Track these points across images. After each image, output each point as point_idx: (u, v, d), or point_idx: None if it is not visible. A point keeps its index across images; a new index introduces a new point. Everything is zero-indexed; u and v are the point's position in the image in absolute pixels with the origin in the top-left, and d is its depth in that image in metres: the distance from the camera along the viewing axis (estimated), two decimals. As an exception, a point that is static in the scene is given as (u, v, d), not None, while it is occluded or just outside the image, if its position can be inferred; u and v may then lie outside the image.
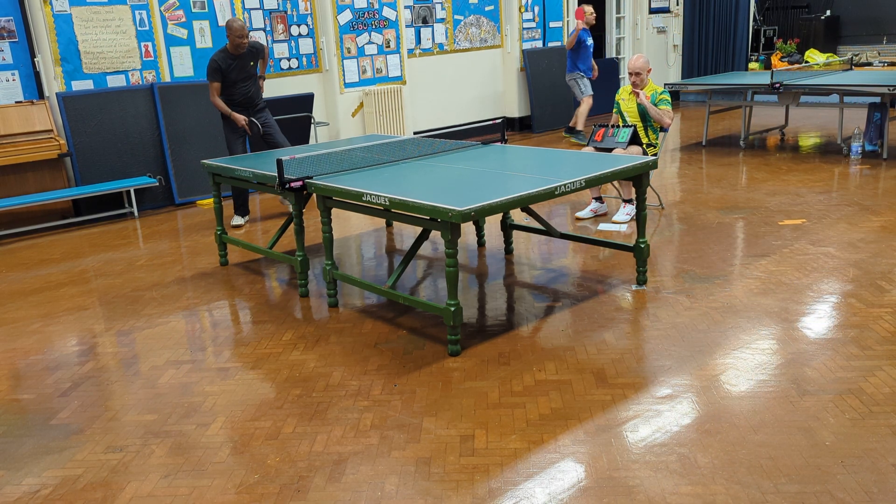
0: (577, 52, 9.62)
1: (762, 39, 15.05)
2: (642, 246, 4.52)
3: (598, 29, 12.24)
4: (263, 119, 6.53)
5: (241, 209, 6.79)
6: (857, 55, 12.85)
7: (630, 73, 6.05)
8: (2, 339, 4.39)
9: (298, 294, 4.82)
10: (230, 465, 2.94)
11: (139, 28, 7.44)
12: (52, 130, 6.99)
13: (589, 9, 9.60)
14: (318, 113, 8.81)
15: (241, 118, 6.31)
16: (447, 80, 10.36)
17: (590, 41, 9.62)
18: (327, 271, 4.50)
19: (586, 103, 9.74)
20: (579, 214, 6.31)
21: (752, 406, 3.15)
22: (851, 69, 10.29)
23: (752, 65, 14.04)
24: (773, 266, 4.81)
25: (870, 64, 13.39)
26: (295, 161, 4.70)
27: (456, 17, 10.32)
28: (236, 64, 6.23)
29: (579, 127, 9.87)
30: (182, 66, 7.79)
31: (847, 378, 3.33)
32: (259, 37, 8.36)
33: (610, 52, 12.69)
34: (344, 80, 8.99)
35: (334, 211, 6.61)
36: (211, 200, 7.35)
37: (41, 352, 4.18)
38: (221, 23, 7.98)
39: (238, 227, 6.70)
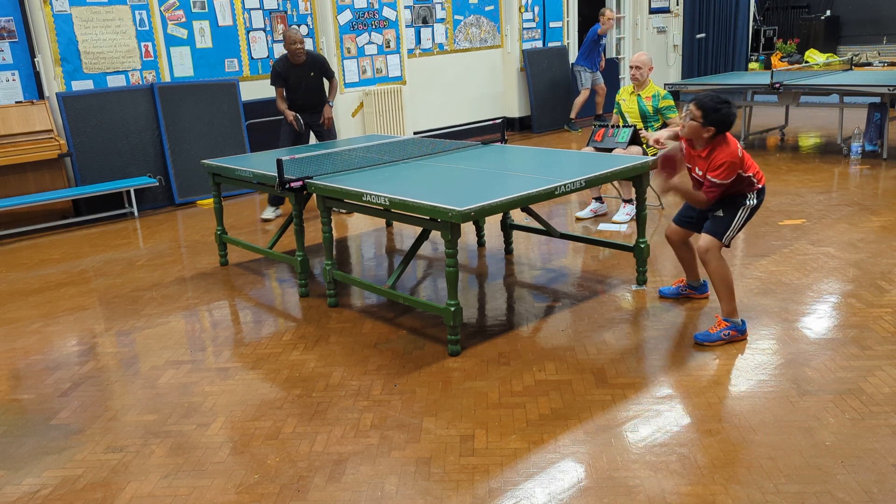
0: (589, 48, 10.46)
1: (762, 39, 15.05)
2: (642, 246, 4.52)
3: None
4: (318, 119, 6.74)
5: (278, 199, 6.85)
6: (857, 55, 12.85)
7: (630, 67, 6.06)
8: (2, 339, 4.39)
9: (298, 294, 4.82)
10: (230, 465, 2.94)
11: (139, 28, 7.44)
12: (52, 130, 6.99)
13: (609, 13, 10.41)
14: (318, 113, 8.80)
15: (290, 113, 6.54)
16: (447, 80, 10.36)
17: (603, 41, 10.59)
18: (327, 271, 4.50)
19: (582, 95, 10.64)
20: (579, 214, 6.31)
21: (752, 406, 3.15)
22: (851, 69, 10.29)
23: (752, 65, 14.05)
24: (773, 266, 4.81)
25: (870, 64, 13.39)
26: (295, 161, 4.70)
27: (456, 17, 10.32)
28: (296, 72, 6.46)
29: (571, 115, 10.84)
30: (182, 66, 7.79)
31: (847, 378, 3.33)
32: (259, 37, 8.36)
33: (610, 52, 12.67)
34: (344, 80, 8.98)
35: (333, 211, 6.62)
36: (211, 200, 7.36)
37: (41, 352, 4.18)
38: (221, 23, 7.99)
39: (268, 220, 6.75)
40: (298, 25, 8.72)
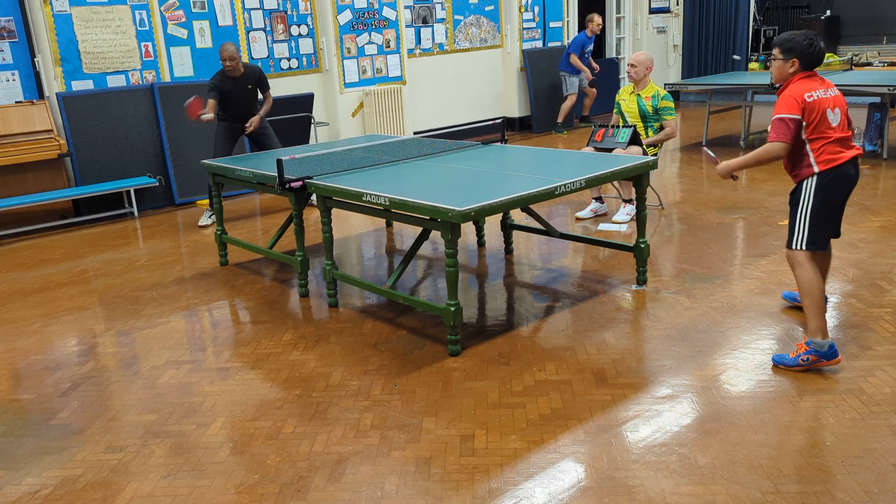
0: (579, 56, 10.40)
1: (762, 39, 15.05)
2: (642, 246, 4.52)
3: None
4: (259, 127, 6.71)
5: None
6: (857, 55, 12.85)
7: (628, 65, 6.06)
8: (2, 339, 4.39)
9: (298, 294, 4.82)
10: (230, 465, 2.94)
11: (139, 28, 7.44)
12: (52, 130, 6.99)
13: (597, 19, 10.37)
14: (318, 113, 8.81)
15: (210, 117, 6.36)
16: (447, 80, 10.36)
17: (589, 48, 10.46)
18: (327, 271, 4.50)
19: (569, 100, 10.59)
20: (579, 214, 6.31)
21: (752, 406, 3.15)
22: (851, 69, 10.29)
23: (752, 65, 14.05)
24: (773, 266, 4.81)
25: (870, 64, 13.39)
26: (295, 161, 4.70)
27: (456, 17, 10.32)
28: (233, 84, 6.50)
29: (559, 119, 10.77)
30: (182, 66, 7.79)
31: (847, 378, 3.33)
32: (259, 37, 8.36)
33: (610, 52, 12.69)
34: (344, 80, 8.99)
35: (334, 211, 6.61)
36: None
37: (41, 352, 4.18)
38: (221, 23, 7.99)
39: (204, 226, 6.77)
40: (298, 25, 8.73)
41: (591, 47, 10.49)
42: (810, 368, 3.38)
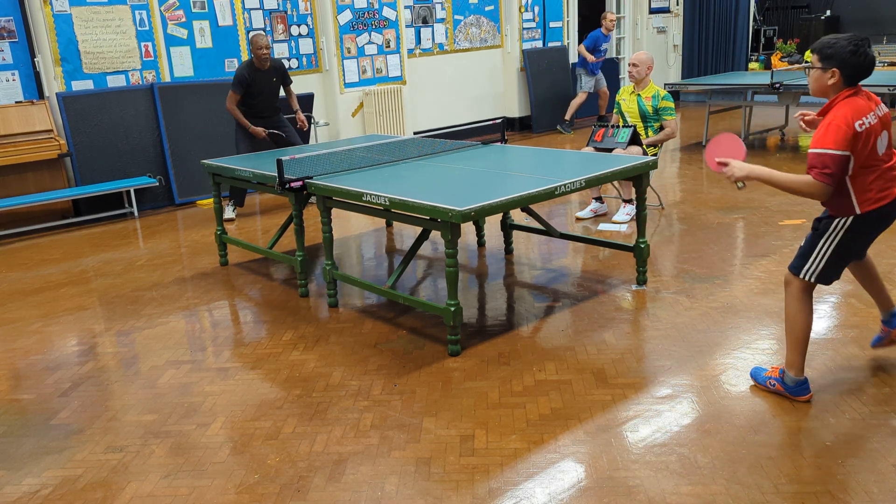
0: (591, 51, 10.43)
1: (762, 39, 15.06)
2: (642, 246, 4.52)
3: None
4: (279, 123, 6.78)
5: (237, 198, 7.00)
6: (857, 55, 12.82)
7: (629, 64, 6.06)
8: (2, 339, 4.39)
9: (298, 294, 4.81)
10: (230, 465, 2.94)
11: (139, 28, 7.44)
12: (52, 130, 6.99)
13: (611, 15, 10.41)
14: (318, 113, 8.81)
15: (260, 131, 6.59)
16: (447, 80, 10.36)
17: (604, 45, 10.45)
18: (327, 271, 4.50)
19: (579, 97, 10.63)
20: (579, 214, 6.31)
21: (752, 406, 3.15)
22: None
23: (752, 65, 14.05)
24: (773, 266, 4.81)
25: (870, 64, 13.36)
26: (295, 161, 4.70)
27: (456, 17, 10.32)
28: (259, 77, 6.50)
29: (566, 116, 10.80)
30: (182, 66, 7.79)
31: (847, 378, 3.33)
32: (259, 37, 8.36)
33: (610, 52, 12.66)
34: (344, 80, 8.99)
35: (334, 211, 6.61)
36: (211, 200, 7.37)
37: (41, 352, 4.18)
38: (221, 23, 7.99)
39: (231, 220, 6.84)
40: (298, 25, 8.73)
41: (605, 45, 10.47)
42: (775, 393, 3.21)
